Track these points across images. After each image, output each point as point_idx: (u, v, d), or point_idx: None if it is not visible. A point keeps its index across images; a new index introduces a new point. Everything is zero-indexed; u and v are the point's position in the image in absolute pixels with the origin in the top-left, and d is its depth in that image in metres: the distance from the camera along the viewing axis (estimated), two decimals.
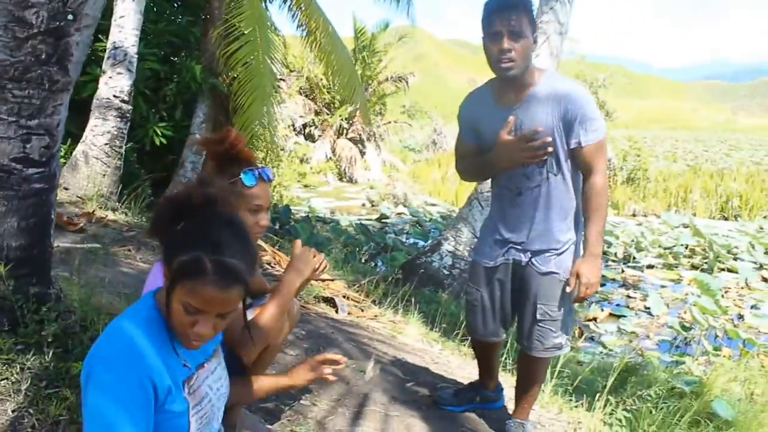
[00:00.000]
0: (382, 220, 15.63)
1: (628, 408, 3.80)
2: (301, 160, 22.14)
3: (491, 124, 2.68)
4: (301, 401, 2.99)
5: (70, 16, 2.18)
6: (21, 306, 2.32)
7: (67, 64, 2.26)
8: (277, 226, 12.25)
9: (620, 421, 3.67)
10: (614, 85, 23.50)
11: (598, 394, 3.87)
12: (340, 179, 22.88)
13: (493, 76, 2.70)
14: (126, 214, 6.40)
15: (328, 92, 23.35)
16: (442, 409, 3.23)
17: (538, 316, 2.77)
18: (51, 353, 2.32)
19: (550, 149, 2.58)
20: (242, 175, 2.07)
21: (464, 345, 4.96)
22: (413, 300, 5.62)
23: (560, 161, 2.62)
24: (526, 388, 2.98)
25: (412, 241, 13.16)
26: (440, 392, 3.32)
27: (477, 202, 6.75)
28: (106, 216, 5.89)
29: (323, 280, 5.68)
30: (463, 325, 5.08)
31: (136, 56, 7.31)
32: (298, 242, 2.22)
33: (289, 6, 10.67)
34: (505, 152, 2.62)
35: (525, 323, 2.85)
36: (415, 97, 35.06)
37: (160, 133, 9.15)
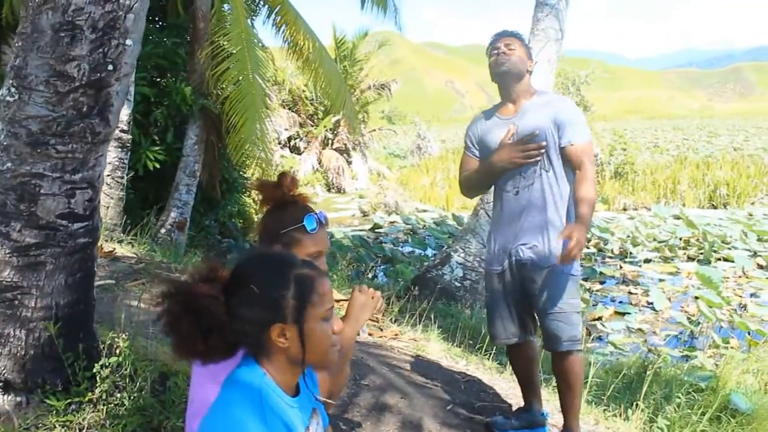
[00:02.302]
0: (376, 230, 15.58)
1: (668, 417, 3.79)
2: None
3: (492, 132, 3.04)
4: None
5: (110, 67, 2.14)
6: (72, 363, 2.27)
7: (108, 115, 2.21)
8: None
9: (662, 430, 3.67)
10: (596, 80, 23.73)
11: (635, 404, 3.88)
12: (329, 190, 22.81)
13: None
14: (132, 245, 6.31)
15: (311, 104, 23.29)
16: None
17: (549, 311, 2.91)
18: (105, 410, 2.27)
19: (542, 150, 2.88)
20: (305, 221, 2.02)
21: (487, 358, 4.95)
22: (432, 316, 5.60)
23: (552, 159, 2.90)
24: (564, 393, 3.04)
25: (409, 249, 13.13)
26: (493, 418, 3.32)
27: (483, 212, 6.73)
28: (114, 249, 5.81)
29: (338, 301, 5.64)
30: (486, 339, 5.08)
31: (134, 84, 7.22)
32: (362, 287, 2.17)
33: (274, 21, 10.60)
34: (506, 154, 2.94)
35: (540, 319, 2.99)
36: (394, 102, 35.11)
37: (153, 158, 9.08)
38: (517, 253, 2.95)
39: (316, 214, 2.09)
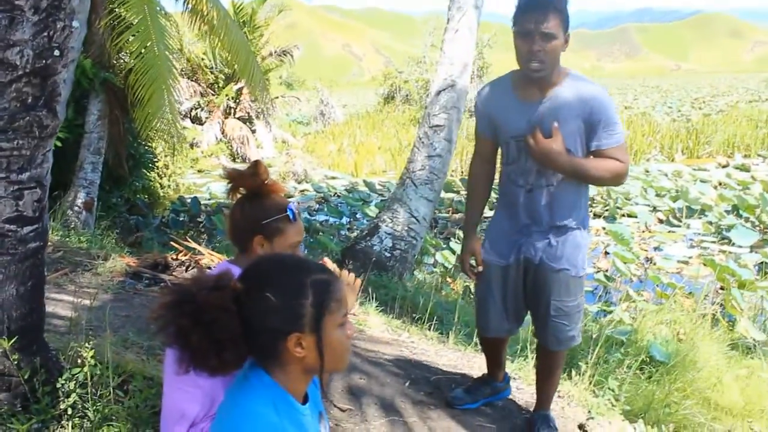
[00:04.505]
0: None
1: (618, 378, 3.92)
2: (192, 145, 21.31)
3: (511, 116, 2.67)
4: None
5: (56, 52, 1.91)
6: (29, 379, 2.07)
7: (56, 106, 1.99)
8: (187, 220, 11.79)
9: (612, 390, 3.79)
10: (498, 43, 24.14)
11: (582, 365, 4.00)
12: (233, 160, 22.24)
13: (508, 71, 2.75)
14: None
15: (211, 72, 22.51)
16: (456, 408, 3.21)
17: (552, 312, 2.80)
18: (71, 425, 2.09)
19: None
20: (288, 210, 1.95)
21: (428, 329, 4.97)
22: (369, 289, 5.56)
23: None
24: (547, 380, 3.02)
25: (323, 218, 13.03)
26: (452, 392, 3.29)
27: (410, 182, 6.72)
28: None
29: None
30: (428, 311, 5.09)
31: None
32: (344, 273, 2.09)
33: None
34: None
35: (540, 319, 2.88)
36: (292, 67, 34.64)
37: None
38: (528, 250, 2.76)
39: (291, 203, 2.03)
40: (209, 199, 14.71)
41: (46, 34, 1.88)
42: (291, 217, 1.98)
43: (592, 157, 2.64)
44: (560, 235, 2.73)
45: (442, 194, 11.56)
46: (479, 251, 2.89)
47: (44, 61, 1.90)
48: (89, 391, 2.24)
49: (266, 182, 2.01)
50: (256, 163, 2.01)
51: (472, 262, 2.92)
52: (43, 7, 1.86)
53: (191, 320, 1.34)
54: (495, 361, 3.23)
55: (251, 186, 1.99)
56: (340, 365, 1.48)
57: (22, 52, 1.86)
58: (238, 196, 2.12)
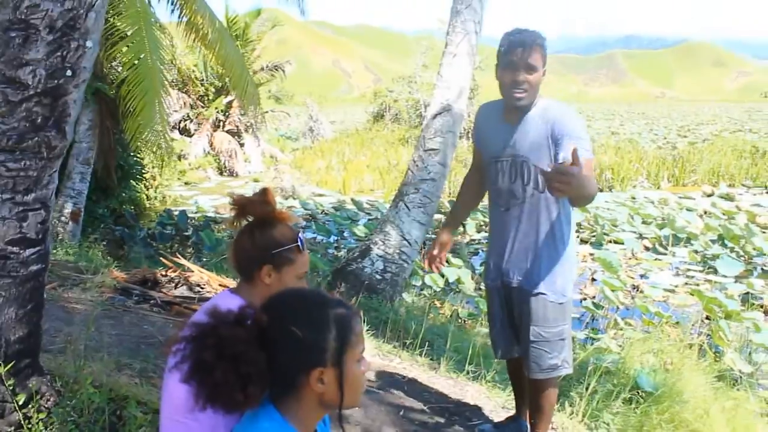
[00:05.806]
0: None
1: (613, 412, 3.90)
2: (179, 157, 21.19)
3: (492, 135, 2.85)
4: None
5: (69, 72, 1.87)
6: (24, 405, 2.00)
7: (65, 126, 1.94)
8: (173, 233, 11.68)
9: (607, 425, 3.77)
10: (489, 66, 24.33)
11: (577, 398, 3.97)
12: (221, 173, 22.17)
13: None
14: None
15: (201, 84, 22.45)
16: None
17: (531, 338, 2.82)
18: None
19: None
20: (299, 240, 1.91)
21: (419, 354, 4.93)
22: (360, 312, 5.50)
23: None
24: (536, 413, 2.98)
25: (310, 235, 12.95)
26: (481, 427, 3.26)
27: (403, 204, 6.69)
28: None
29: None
30: (420, 335, 5.05)
31: None
32: None
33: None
34: None
35: (522, 344, 2.90)
36: (281, 82, 34.73)
37: None
38: (507, 273, 2.84)
39: (300, 232, 1.98)
40: (196, 212, 14.59)
41: (59, 53, 1.84)
42: (300, 246, 1.93)
43: None
44: (537, 258, 2.78)
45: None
46: (448, 244, 3.07)
47: (56, 81, 1.86)
48: (85, 418, 2.18)
49: (275, 210, 1.96)
50: (265, 191, 1.95)
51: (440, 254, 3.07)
52: (58, 26, 1.82)
53: (214, 354, 1.31)
54: (521, 395, 3.18)
55: (261, 214, 1.93)
56: (356, 401, 1.46)
57: (34, 72, 1.82)
58: (243, 223, 2.06)
